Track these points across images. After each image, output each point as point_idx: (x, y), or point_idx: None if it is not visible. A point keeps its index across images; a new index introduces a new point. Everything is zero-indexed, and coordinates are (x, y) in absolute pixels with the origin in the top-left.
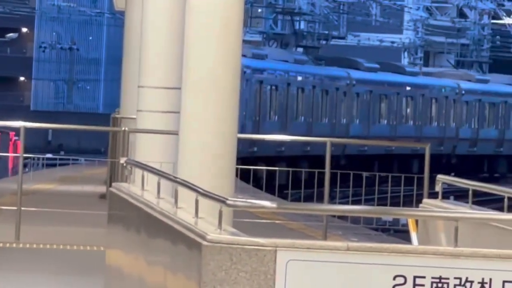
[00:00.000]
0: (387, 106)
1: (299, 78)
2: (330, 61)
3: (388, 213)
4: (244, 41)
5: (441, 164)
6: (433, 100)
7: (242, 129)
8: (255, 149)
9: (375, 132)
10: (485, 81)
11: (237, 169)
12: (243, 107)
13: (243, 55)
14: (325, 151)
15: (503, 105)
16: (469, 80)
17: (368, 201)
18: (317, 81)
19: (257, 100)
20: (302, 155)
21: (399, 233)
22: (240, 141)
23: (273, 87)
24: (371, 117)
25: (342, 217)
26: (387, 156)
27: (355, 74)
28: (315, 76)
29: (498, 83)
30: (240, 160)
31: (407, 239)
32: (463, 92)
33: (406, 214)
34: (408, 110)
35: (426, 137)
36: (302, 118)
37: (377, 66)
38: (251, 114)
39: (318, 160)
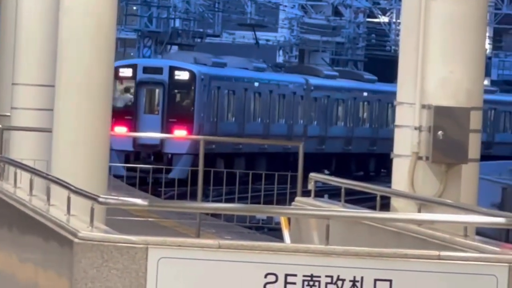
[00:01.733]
0: (344, 110)
1: (256, 84)
2: (289, 69)
3: (259, 211)
4: (119, 39)
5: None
6: (389, 105)
7: (199, 130)
8: (213, 146)
9: (333, 133)
10: None
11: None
12: (201, 110)
13: (204, 64)
14: (281, 149)
15: None
16: None
17: (243, 199)
18: (273, 86)
19: (215, 104)
20: (259, 152)
21: (273, 231)
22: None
23: (231, 92)
24: (329, 119)
25: (216, 215)
26: (344, 154)
27: (314, 80)
28: (271, 81)
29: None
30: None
31: (281, 237)
32: None
33: (277, 212)
34: (365, 114)
35: (382, 139)
36: (259, 119)
37: (336, 74)
38: (209, 116)
39: (276, 156)
